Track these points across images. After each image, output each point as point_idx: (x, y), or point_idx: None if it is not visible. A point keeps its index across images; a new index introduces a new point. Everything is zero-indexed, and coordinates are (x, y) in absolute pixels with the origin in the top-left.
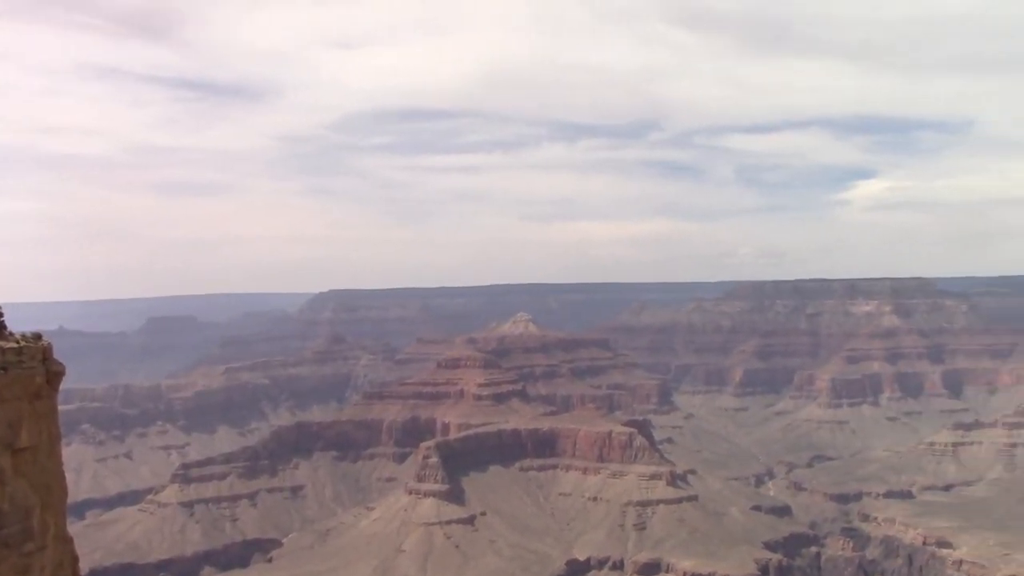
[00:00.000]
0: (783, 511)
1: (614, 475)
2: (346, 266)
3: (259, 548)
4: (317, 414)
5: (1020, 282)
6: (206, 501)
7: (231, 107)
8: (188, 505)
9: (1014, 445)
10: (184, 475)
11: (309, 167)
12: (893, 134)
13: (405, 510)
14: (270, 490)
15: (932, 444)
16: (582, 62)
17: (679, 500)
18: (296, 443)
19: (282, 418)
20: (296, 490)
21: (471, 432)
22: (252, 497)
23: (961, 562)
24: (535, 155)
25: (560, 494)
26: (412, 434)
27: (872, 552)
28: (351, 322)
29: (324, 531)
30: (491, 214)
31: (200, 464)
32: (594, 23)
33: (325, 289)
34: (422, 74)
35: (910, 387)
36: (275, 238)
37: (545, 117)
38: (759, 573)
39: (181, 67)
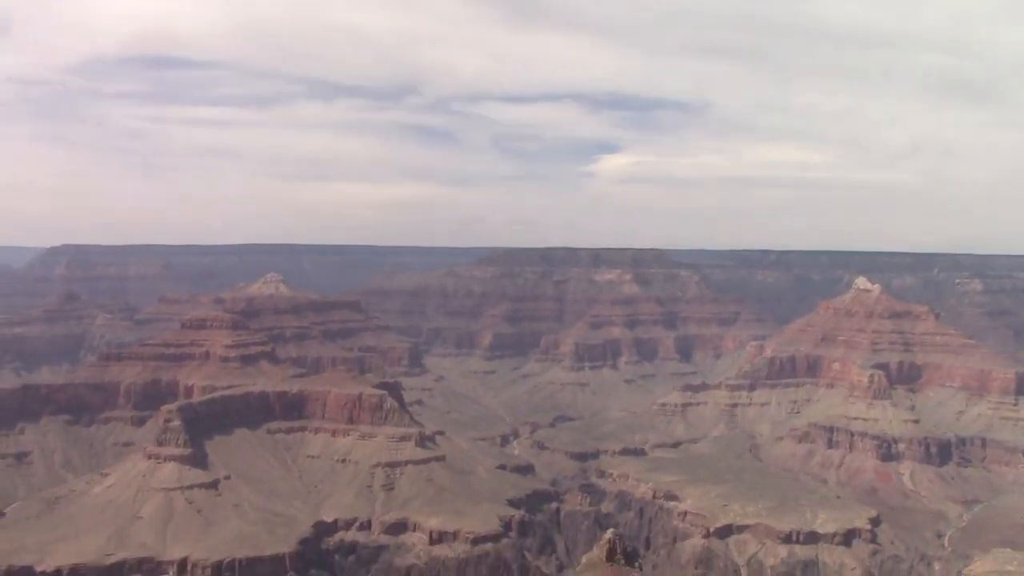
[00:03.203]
0: (527, 469)
1: (363, 437)
2: (82, 220)
3: None
4: (47, 376)
5: (744, 256)
6: None
7: None
8: None
9: (734, 405)
10: None
11: (43, 112)
12: (638, 111)
13: (143, 476)
14: None
15: (664, 405)
16: (342, 22)
17: (427, 460)
18: (21, 406)
19: (6, 380)
20: (21, 456)
21: (216, 395)
22: None
23: (686, 513)
24: (290, 112)
25: (308, 456)
26: (153, 397)
27: (607, 506)
28: (86, 279)
29: (53, 499)
30: (243, 171)
31: None
32: None
33: (57, 244)
34: (173, 19)
35: (646, 351)
36: (1, 186)
37: (302, 74)
38: (502, 529)
39: None
